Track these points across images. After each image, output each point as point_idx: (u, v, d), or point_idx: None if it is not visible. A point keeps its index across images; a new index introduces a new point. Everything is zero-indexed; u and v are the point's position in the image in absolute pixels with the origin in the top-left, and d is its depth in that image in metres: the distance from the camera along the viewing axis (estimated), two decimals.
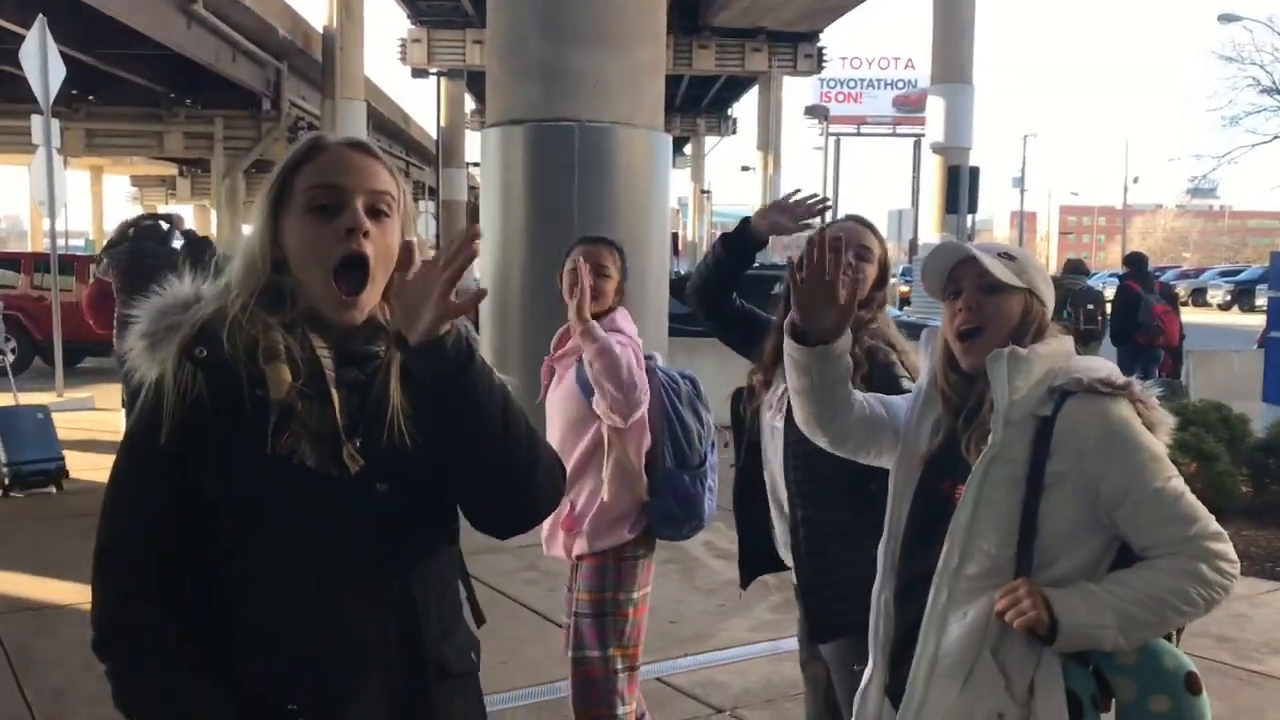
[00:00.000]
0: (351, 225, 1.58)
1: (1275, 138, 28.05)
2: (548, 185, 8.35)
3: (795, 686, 4.43)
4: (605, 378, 3.12)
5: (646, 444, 3.34)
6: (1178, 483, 2.00)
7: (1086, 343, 10.42)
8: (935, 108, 30.80)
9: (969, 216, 13.27)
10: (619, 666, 3.32)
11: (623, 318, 3.41)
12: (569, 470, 3.31)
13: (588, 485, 3.36)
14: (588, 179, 8.25)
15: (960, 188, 12.41)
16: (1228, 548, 1.99)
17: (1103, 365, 2.14)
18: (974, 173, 12.66)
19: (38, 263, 16.55)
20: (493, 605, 5.78)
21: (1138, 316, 10.50)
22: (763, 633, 5.29)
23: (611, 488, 3.31)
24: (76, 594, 5.48)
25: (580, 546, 3.39)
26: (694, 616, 5.63)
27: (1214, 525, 1.99)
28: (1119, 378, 2.07)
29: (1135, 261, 11.59)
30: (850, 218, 3.07)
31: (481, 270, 9.36)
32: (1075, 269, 11.56)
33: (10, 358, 11.22)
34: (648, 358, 3.43)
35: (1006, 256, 2.17)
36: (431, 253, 1.61)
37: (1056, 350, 2.13)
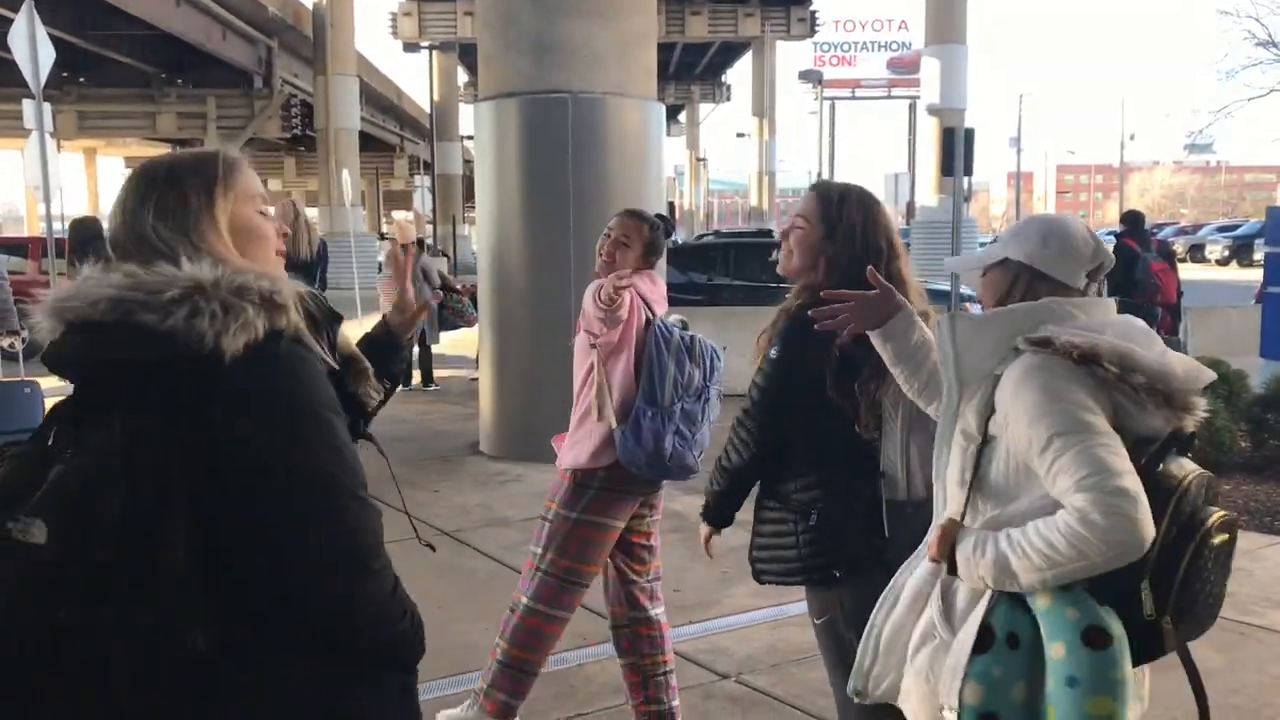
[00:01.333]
0: (283, 230, 1.88)
1: (1272, 91, 27.95)
2: (542, 157, 8.35)
3: (799, 651, 4.49)
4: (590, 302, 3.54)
5: (620, 378, 3.59)
6: (1077, 436, 1.97)
7: None
8: (930, 69, 30.78)
9: (965, 179, 13.22)
10: (545, 569, 3.71)
11: (644, 279, 3.67)
12: (577, 394, 3.74)
13: (579, 410, 3.71)
14: (581, 150, 8.24)
15: (956, 150, 12.35)
16: (1122, 501, 1.91)
17: (1073, 325, 2.13)
18: (969, 134, 12.60)
19: (46, 247, 16.58)
20: (498, 578, 5.83)
21: (1135, 274, 10.50)
22: (766, 599, 5.31)
23: (585, 411, 3.67)
24: None
25: (559, 461, 3.79)
26: (698, 584, 5.67)
27: (1113, 480, 1.93)
28: (1059, 335, 2.07)
29: (1132, 219, 11.56)
30: (814, 187, 3.09)
31: (479, 242, 9.35)
32: None
33: (21, 345, 11.36)
34: (680, 325, 3.73)
35: (992, 242, 2.42)
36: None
37: (1029, 310, 2.18)
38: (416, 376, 12.58)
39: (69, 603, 1.45)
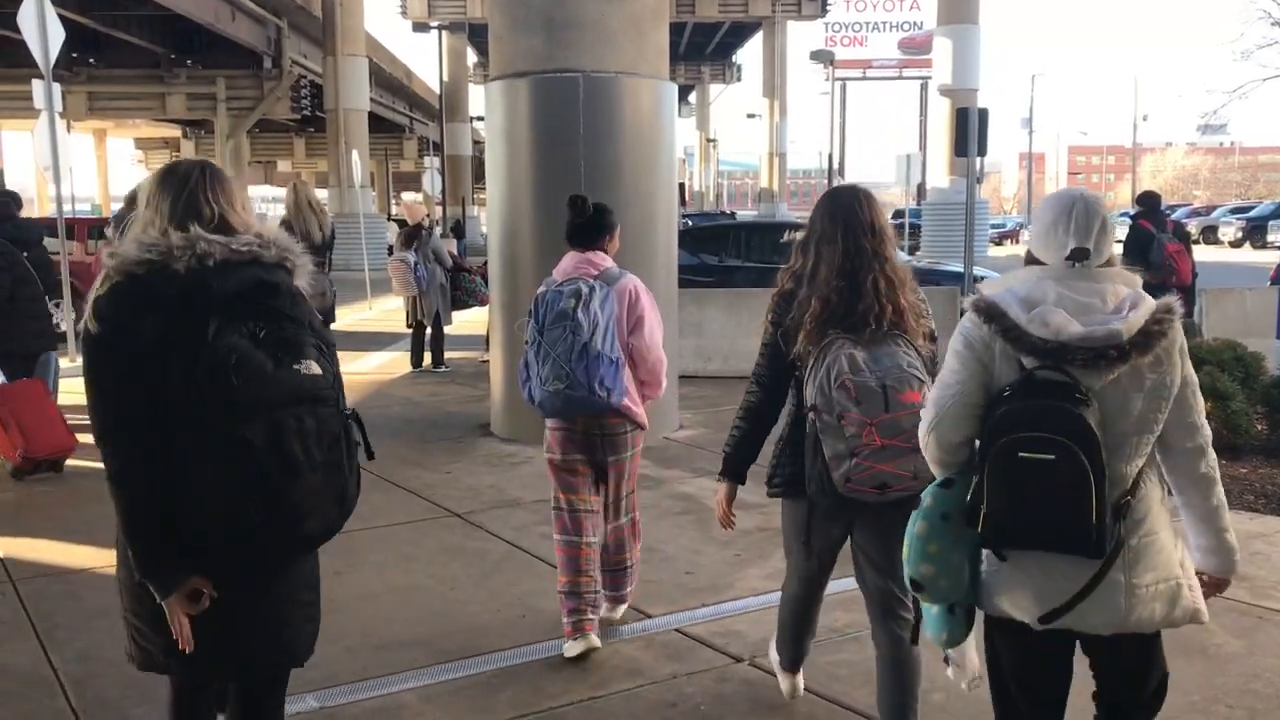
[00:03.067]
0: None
1: None
2: (553, 137, 8.28)
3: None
4: None
5: None
6: (943, 366, 2.67)
7: None
8: (942, 49, 30.53)
9: (978, 160, 13.13)
10: None
11: (564, 259, 4.63)
12: None
13: None
14: (593, 130, 8.18)
15: (969, 130, 12.24)
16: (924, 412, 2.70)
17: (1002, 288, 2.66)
18: (983, 114, 12.47)
19: (92, 228, 16.77)
20: (509, 559, 5.81)
21: (1150, 256, 10.37)
22: (779, 581, 5.25)
23: None
24: (98, 558, 5.52)
25: None
26: (710, 566, 5.64)
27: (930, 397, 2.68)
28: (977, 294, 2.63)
29: (1147, 201, 11.43)
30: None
31: (489, 223, 9.31)
32: None
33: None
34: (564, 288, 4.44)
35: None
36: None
37: (1000, 278, 2.75)
38: (427, 358, 12.56)
39: (334, 398, 2.55)
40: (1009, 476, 2.42)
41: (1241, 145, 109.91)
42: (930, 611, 2.73)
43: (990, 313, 2.52)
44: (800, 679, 4.05)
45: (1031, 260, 2.65)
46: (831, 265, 3.36)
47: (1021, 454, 2.39)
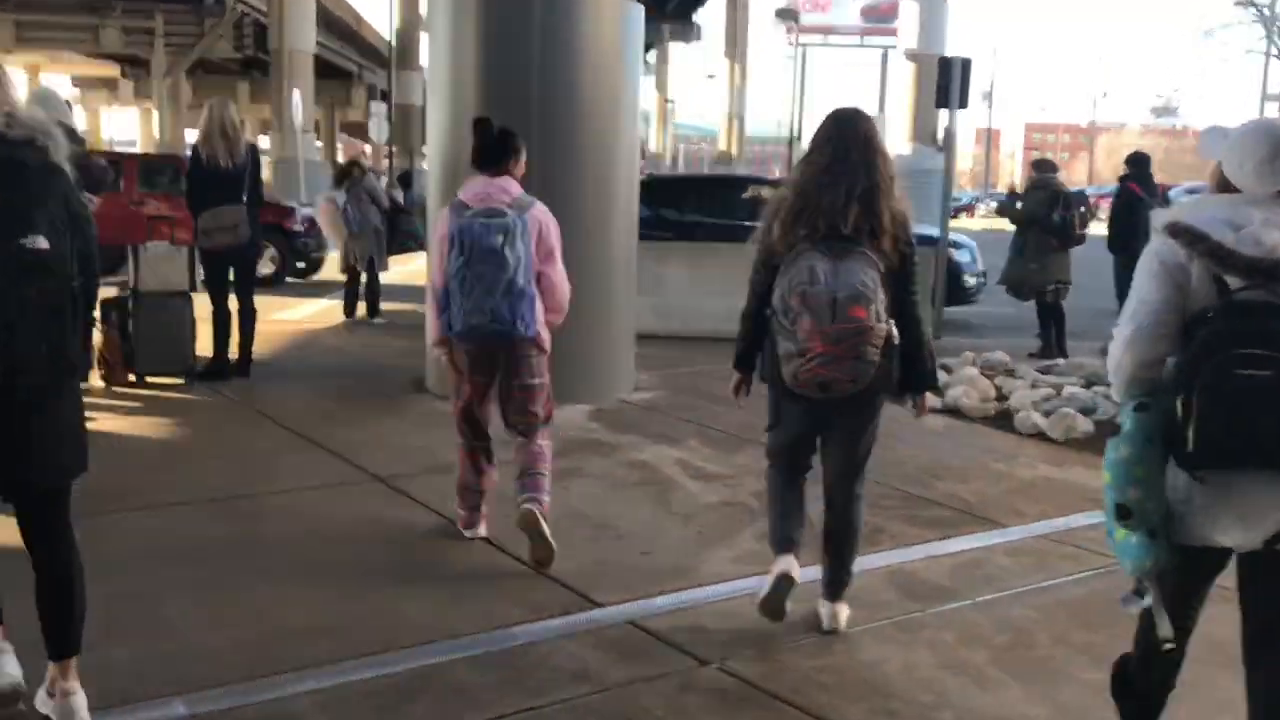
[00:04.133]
0: None
1: (1250, 51, 27.37)
2: (502, 62, 7.41)
3: (790, 632, 3.86)
4: None
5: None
6: (1133, 290, 2.66)
7: (1070, 247, 9.62)
8: (910, 13, 29.91)
9: (944, 128, 12.40)
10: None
11: (469, 182, 4.68)
12: None
13: None
14: (549, 55, 7.35)
15: (951, 80, 11.47)
16: (1116, 335, 2.66)
17: None
18: (966, 65, 11.71)
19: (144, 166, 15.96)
20: (436, 533, 5.06)
21: (1140, 224, 9.61)
22: (749, 565, 4.54)
23: None
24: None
25: None
26: (671, 546, 4.90)
27: (1121, 320, 2.65)
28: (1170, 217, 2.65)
29: (1137, 162, 10.67)
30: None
31: (429, 159, 8.47)
32: (1049, 167, 10.38)
33: None
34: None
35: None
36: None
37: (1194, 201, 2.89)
38: (361, 308, 11.70)
39: (63, 271, 2.85)
40: (1226, 395, 2.39)
41: (1193, 129, 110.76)
42: (1130, 541, 2.59)
43: (1191, 235, 2.51)
44: (794, 564, 3.86)
45: (1224, 187, 2.67)
46: (816, 165, 3.68)
47: (1238, 371, 2.38)
